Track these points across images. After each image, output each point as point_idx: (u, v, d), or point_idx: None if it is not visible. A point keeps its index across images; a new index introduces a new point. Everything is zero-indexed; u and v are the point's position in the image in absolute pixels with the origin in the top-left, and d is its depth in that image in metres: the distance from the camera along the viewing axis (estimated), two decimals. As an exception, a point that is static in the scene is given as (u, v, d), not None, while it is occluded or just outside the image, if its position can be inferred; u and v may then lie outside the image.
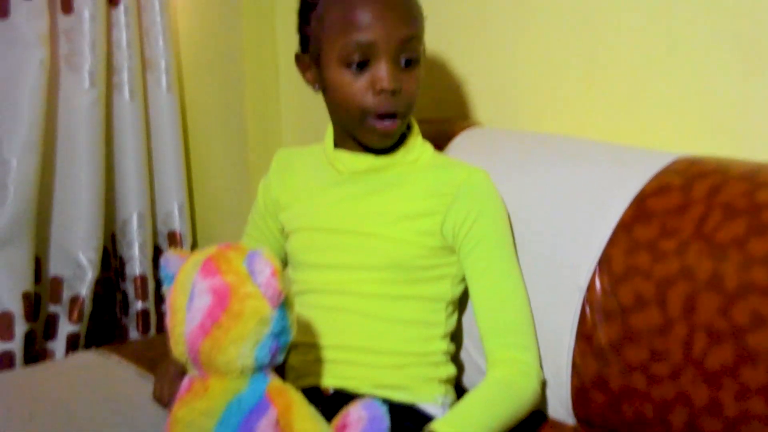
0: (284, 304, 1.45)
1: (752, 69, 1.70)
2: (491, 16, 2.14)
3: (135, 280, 2.62)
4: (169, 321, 1.48)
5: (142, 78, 2.62)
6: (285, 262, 1.91)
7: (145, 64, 2.64)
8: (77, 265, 2.52)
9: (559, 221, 1.72)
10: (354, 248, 1.74)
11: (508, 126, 2.12)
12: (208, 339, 1.42)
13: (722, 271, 1.45)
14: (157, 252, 2.68)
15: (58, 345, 2.53)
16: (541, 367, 1.70)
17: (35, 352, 2.48)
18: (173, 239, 2.67)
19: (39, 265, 2.51)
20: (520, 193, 1.79)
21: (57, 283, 2.54)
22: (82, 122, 2.49)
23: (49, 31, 2.41)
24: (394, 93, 1.67)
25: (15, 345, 2.40)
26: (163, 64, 2.63)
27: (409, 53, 1.69)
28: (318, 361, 1.73)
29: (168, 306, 1.49)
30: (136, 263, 2.61)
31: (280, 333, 1.45)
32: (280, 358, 1.48)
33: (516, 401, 1.64)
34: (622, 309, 1.59)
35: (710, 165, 1.61)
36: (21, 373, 2.30)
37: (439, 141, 1.95)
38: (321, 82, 1.75)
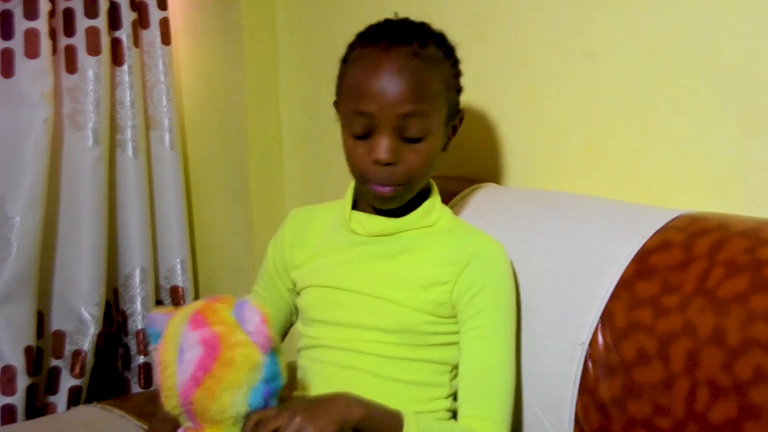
0: (274, 350, 1.47)
1: (751, 128, 1.72)
2: (496, 80, 2.17)
3: (137, 334, 2.62)
4: (159, 376, 1.48)
5: (145, 136, 2.64)
6: (291, 321, 1.93)
7: (148, 123, 2.66)
8: (79, 320, 2.52)
9: (562, 277, 1.73)
10: (365, 309, 1.74)
11: (513, 184, 2.14)
12: (201, 389, 1.43)
13: (724, 326, 1.46)
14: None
15: (60, 399, 2.53)
16: None
17: (37, 406, 2.48)
18: (175, 294, 2.68)
19: (41, 320, 2.51)
20: (523, 249, 1.80)
21: (59, 338, 2.54)
22: (86, 179, 2.51)
23: (53, 90, 2.43)
24: (389, 165, 1.68)
25: (17, 399, 2.40)
26: (166, 122, 2.65)
27: (411, 129, 1.68)
28: None
29: (157, 362, 1.49)
30: (139, 318, 2.61)
31: (272, 378, 1.46)
32: (273, 403, 1.48)
33: None
34: (624, 364, 1.59)
35: (712, 222, 1.62)
36: (23, 427, 2.29)
37: (445, 197, 1.96)
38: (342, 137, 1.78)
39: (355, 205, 1.82)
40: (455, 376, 1.76)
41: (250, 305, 1.46)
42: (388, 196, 1.71)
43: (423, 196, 1.79)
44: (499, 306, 1.71)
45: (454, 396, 1.77)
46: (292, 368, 1.71)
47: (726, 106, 1.75)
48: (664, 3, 1.83)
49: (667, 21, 1.83)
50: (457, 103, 1.79)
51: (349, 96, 1.71)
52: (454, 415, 1.77)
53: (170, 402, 1.47)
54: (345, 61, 1.76)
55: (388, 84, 1.67)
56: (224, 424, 1.45)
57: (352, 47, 1.76)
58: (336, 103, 1.80)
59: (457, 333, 1.74)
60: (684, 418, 1.50)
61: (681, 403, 1.50)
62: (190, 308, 1.51)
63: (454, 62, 1.79)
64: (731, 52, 1.74)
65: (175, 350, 1.46)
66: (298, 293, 1.87)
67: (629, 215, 1.76)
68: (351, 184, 1.83)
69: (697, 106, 1.80)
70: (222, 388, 1.42)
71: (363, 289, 1.75)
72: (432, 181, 1.82)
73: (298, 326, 1.86)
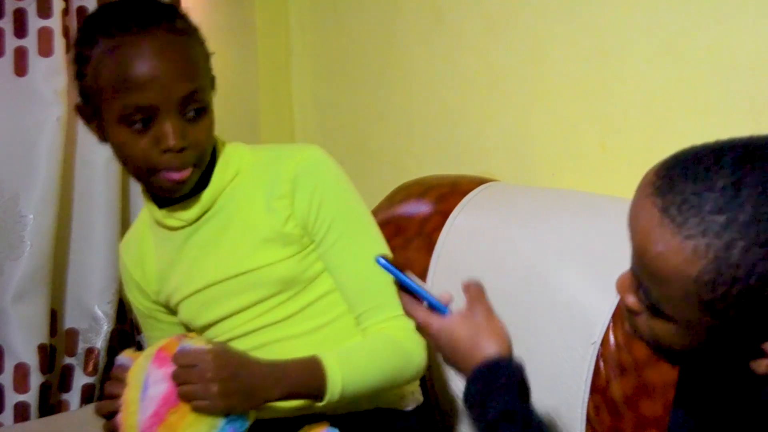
0: None
1: (765, 126, 1.71)
2: (508, 76, 2.17)
3: (150, 332, 2.63)
4: (121, 416, 1.46)
5: (158, 134, 2.64)
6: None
7: (161, 120, 2.66)
8: (93, 318, 2.52)
9: (573, 275, 1.73)
10: (241, 290, 1.70)
11: (526, 182, 2.14)
12: (163, 426, 1.42)
13: None
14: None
15: (73, 397, 2.53)
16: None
17: (50, 403, 2.48)
18: (188, 292, 2.68)
19: (55, 318, 2.51)
20: (535, 248, 1.81)
21: (72, 336, 2.54)
22: (99, 177, 2.51)
23: (66, 88, 2.43)
24: (182, 150, 1.59)
25: (30, 397, 2.40)
26: (179, 120, 2.65)
27: (194, 105, 1.60)
28: None
29: (121, 402, 1.47)
30: (152, 316, 2.62)
31: (237, 418, 1.45)
32: None
33: (400, 362, 1.64)
34: (636, 363, 1.60)
35: (724, 220, 1.61)
36: (36, 424, 2.33)
37: (456, 195, 1.97)
38: (103, 138, 1.65)
39: (162, 205, 1.74)
40: None
41: (193, 342, 1.47)
42: (185, 179, 1.62)
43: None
44: (344, 209, 1.69)
45: None
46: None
47: (740, 104, 1.75)
48: (678, 2, 1.83)
49: (681, 20, 1.83)
50: (211, 70, 1.70)
51: (118, 89, 1.56)
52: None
53: None
54: (87, 58, 1.60)
55: (161, 68, 1.56)
56: None
57: (90, 41, 1.60)
58: (87, 105, 1.65)
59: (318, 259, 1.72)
60: (696, 418, 1.49)
61: (693, 403, 1.50)
62: (154, 347, 1.51)
63: (197, 30, 1.68)
64: (745, 51, 1.74)
65: (138, 389, 1.45)
66: (175, 311, 1.81)
67: (642, 214, 1.76)
68: (142, 188, 1.74)
69: (710, 105, 1.80)
70: (185, 424, 1.41)
71: (223, 274, 1.71)
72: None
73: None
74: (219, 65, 2.76)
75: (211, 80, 1.69)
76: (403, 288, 1.40)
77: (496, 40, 2.19)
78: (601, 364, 1.66)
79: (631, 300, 1.15)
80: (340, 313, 1.73)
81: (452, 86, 2.23)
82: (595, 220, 1.80)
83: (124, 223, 2.60)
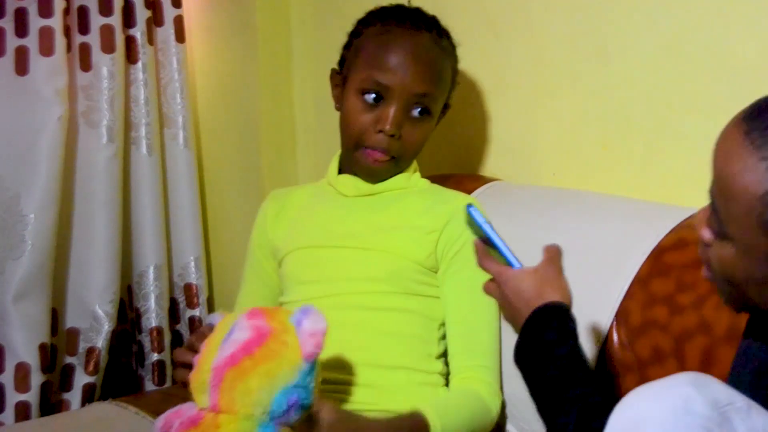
0: (315, 363, 1.49)
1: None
2: (512, 77, 2.17)
3: (151, 331, 2.61)
4: (199, 356, 1.51)
5: (159, 133, 2.63)
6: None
7: (162, 120, 2.65)
8: (94, 317, 2.52)
9: (577, 275, 1.72)
10: (352, 261, 1.82)
11: (527, 182, 2.14)
12: (236, 368, 1.45)
13: (740, 324, 1.43)
14: (173, 304, 2.68)
15: (74, 396, 2.52)
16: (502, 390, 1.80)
17: (51, 403, 2.48)
18: (189, 292, 2.67)
19: (56, 317, 2.50)
20: (537, 247, 1.80)
21: (73, 335, 2.54)
22: (100, 177, 2.51)
23: (67, 88, 2.43)
24: (392, 136, 1.78)
25: (31, 396, 2.39)
26: (180, 120, 2.64)
27: (421, 106, 1.80)
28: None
29: (203, 345, 1.53)
30: (153, 315, 2.61)
31: (303, 387, 1.47)
32: (294, 417, 1.48)
33: (481, 416, 1.73)
34: (639, 362, 1.60)
35: (727, 220, 1.62)
36: (37, 423, 2.31)
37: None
38: (340, 103, 1.87)
39: (340, 173, 1.92)
40: (443, 335, 1.83)
41: (317, 312, 1.51)
42: (379, 162, 1.82)
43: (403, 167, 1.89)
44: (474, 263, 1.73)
45: (445, 359, 1.83)
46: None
47: (740, 104, 1.74)
48: (678, 2, 1.84)
49: (682, 19, 1.83)
50: (450, 96, 1.91)
51: (368, 64, 1.83)
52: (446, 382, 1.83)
53: (201, 377, 1.49)
54: (360, 33, 1.90)
55: (411, 63, 1.80)
56: (240, 414, 1.45)
57: (368, 22, 1.90)
58: (342, 70, 1.93)
59: (438, 287, 1.82)
60: (699, 416, 1.49)
61: (696, 401, 1.50)
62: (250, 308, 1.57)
63: (457, 60, 1.91)
64: (745, 50, 1.74)
65: (222, 334, 1.50)
66: (280, 264, 1.92)
67: (644, 213, 1.76)
68: (335, 156, 1.93)
69: (711, 104, 1.80)
70: (256, 372, 1.45)
71: (348, 243, 1.83)
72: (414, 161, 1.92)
73: (280, 300, 1.93)
74: (219, 65, 2.79)
75: (445, 103, 1.91)
76: (482, 240, 1.49)
77: (498, 39, 2.19)
78: (605, 362, 1.66)
79: (706, 233, 1.23)
80: (428, 339, 1.81)
81: (460, 88, 2.22)
82: (597, 219, 1.80)
83: (125, 223, 2.60)
